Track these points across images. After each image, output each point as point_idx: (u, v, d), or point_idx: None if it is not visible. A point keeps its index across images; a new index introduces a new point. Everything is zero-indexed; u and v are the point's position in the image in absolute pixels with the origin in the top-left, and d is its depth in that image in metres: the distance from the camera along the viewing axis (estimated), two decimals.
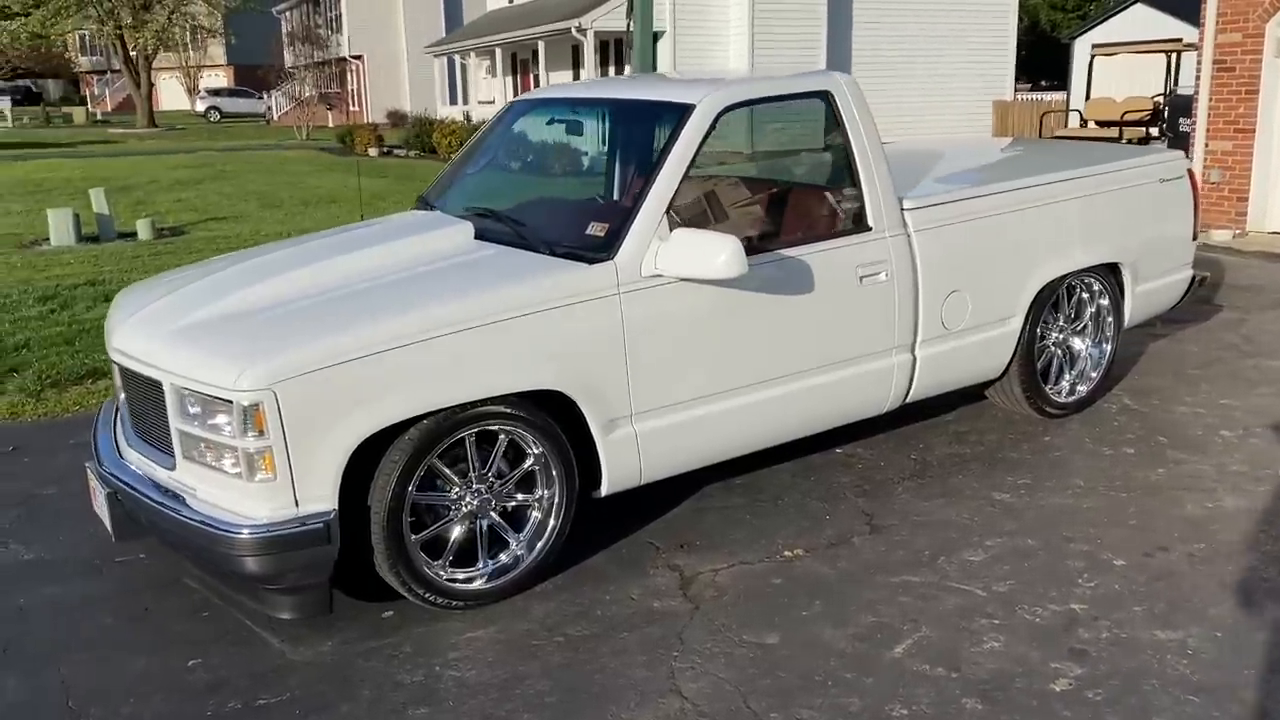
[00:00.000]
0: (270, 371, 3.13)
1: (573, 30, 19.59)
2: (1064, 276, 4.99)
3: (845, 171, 4.31)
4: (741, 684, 3.12)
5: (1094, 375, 5.31)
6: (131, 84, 40.53)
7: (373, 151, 25.57)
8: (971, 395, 5.37)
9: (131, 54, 39.02)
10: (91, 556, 4.03)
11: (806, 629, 3.41)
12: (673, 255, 3.69)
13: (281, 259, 3.99)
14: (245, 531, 3.16)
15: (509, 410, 3.49)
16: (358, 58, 39.98)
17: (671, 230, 3.76)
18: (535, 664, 3.25)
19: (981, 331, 4.72)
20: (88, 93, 62.89)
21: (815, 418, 4.30)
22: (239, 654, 3.35)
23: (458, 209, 4.41)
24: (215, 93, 52.50)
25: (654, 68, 10.61)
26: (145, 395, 3.53)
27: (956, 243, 4.55)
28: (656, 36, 20.11)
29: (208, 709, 3.06)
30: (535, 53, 24.07)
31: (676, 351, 3.80)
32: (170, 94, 61.23)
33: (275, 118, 42.52)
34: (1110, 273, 5.25)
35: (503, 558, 3.66)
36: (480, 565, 3.62)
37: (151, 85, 41.29)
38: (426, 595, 3.47)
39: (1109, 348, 5.34)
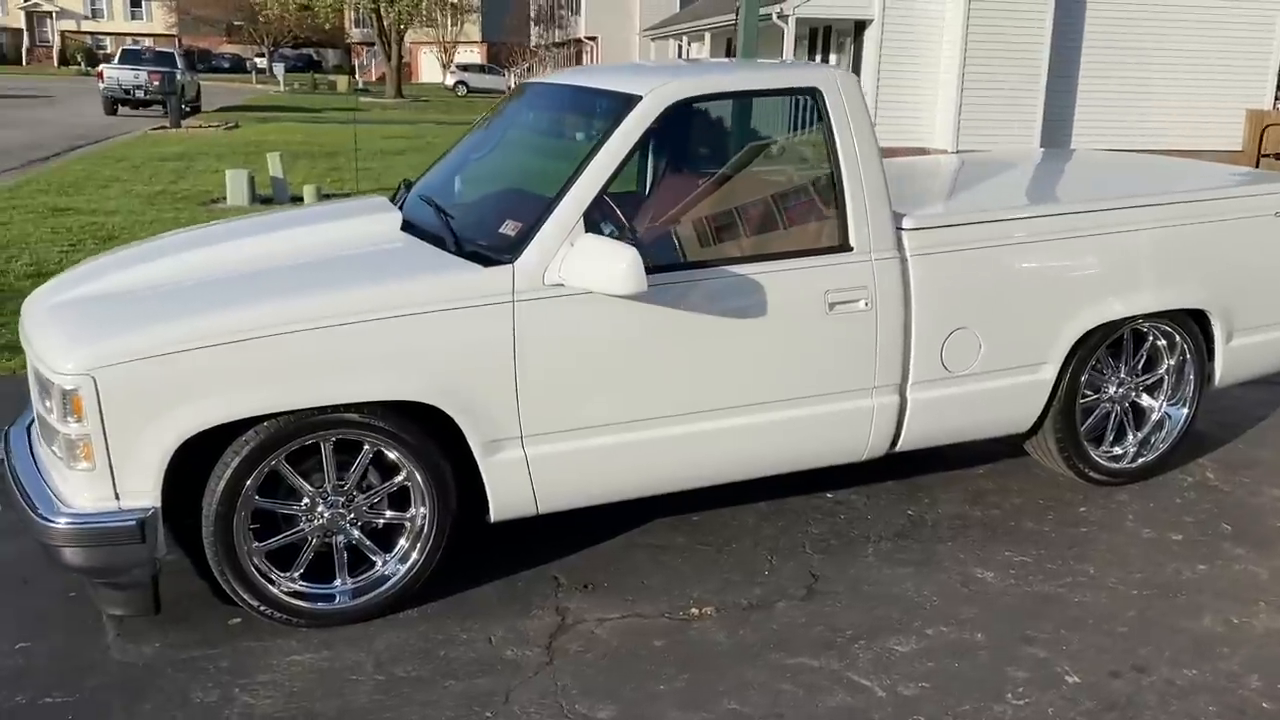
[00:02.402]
0: (91, 357, 2.98)
1: (774, 17, 18.97)
2: (1122, 321, 4.19)
3: (828, 183, 3.75)
4: None
5: (1162, 446, 4.46)
6: (384, 56, 42.90)
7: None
8: (1018, 448, 4.64)
9: (386, 27, 41.24)
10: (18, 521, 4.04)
11: (650, 707, 2.96)
12: (574, 264, 3.30)
13: (197, 237, 3.87)
14: (61, 521, 3.04)
15: (364, 420, 3.21)
16: (592, 39, 40.68)
17: (588, 234, 3.36)
18: (335, 702, 2.96)
19: (1000, 378, 4.03)
20: (356, 63, 67.24)
21: (764, 459, 3.79)
22: (70, 643, 3.24)
23: (419, 195, 4.15)
24: (464, 68, 54.73)
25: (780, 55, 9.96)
26: None
27: (966, 272, 3.89)
28: (861, 26, 19.22)
29: None
30: None
31: (581, 372, 3.40)
32: (429, 67, 64.51)
33: None
34: (1194, 321, 4.38)
35: (361, 579, 3.39)
36: (338, 584, 3.37)
37: (402, 58, 43.56)
38: (260, 608, 3.25)
39: (1186, 411, 4.47)
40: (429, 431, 3.32)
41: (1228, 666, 3.17)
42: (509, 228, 3.48)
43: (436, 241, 3.59)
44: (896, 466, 4.53)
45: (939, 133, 18.89)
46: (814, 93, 3.74)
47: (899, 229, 3.81)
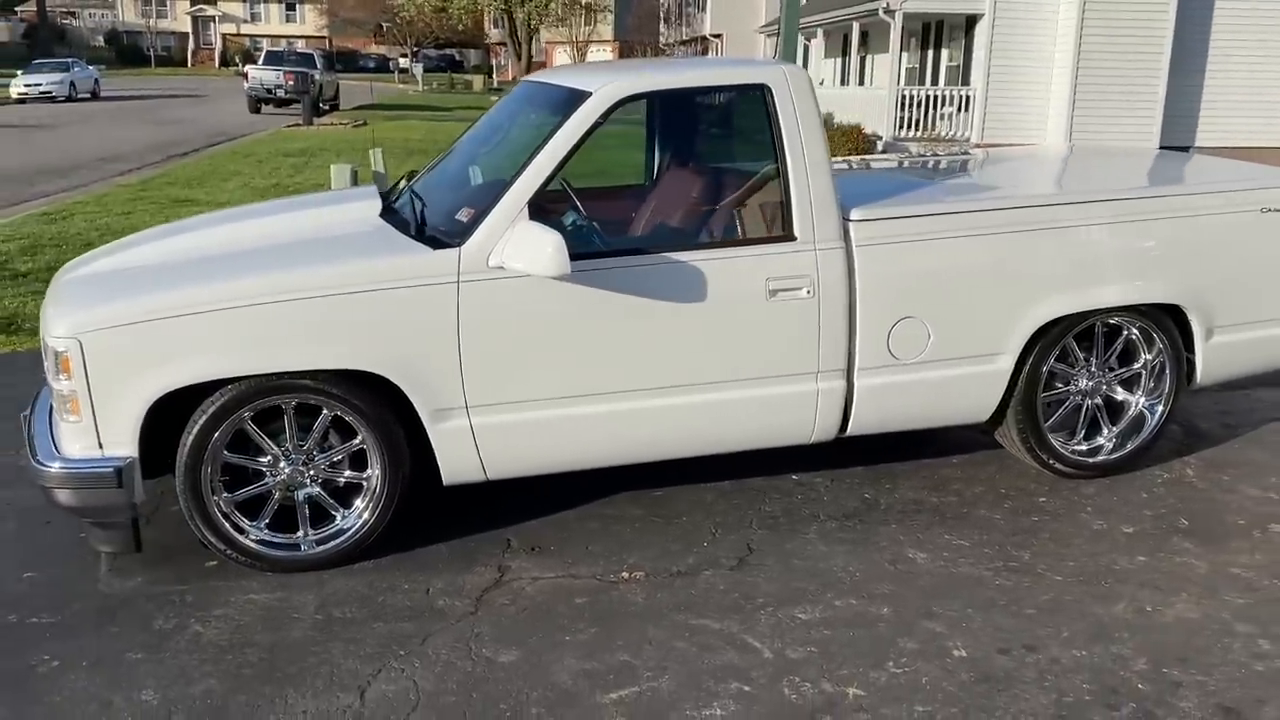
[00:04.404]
0: (79, 322, 3.42)
1: (880, 12, 18.81)
2: (1085, 314, 4.22)
3: (774, 175, 3.92)
4: (428, 695, 3.02)
5: (1129, 445, 4.45)
6: (513, 55, 44.04)
7: None
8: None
9: (516, 27, 42.27)
10: None
11: (551, 654, 3.22)
12: (510, 248, 3.58)
13: (209, 219, 4.31)
14: (54, 466, 3.49)
15: (318, 386, 3.55)
16: (717, 36, 40.83)
17: (528, 220, 3.63)
18: (272, 635, 3.32)
19: (951, 367, 4.12)
20: (494, 63, 69.00)
21: (707, 438, 3.98)
22: (67, 575, 3.70)
23: (413, 185, 4.49)
24: None
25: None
26: None
27: (914, 263, 4.00)
28: (972, 20, 18.89)
29: None
30: (865, 34, 23.40)
31: (522, 348, 3.67)
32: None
33: None
34: (1169, 316, 4.37)
35: (322, 531, 3.74)
36: (301, 534, 3.73)
37: (532, 57, 44.58)
38: (227, 551, 3.64)
39: (1161, 409, 4.45)
40: (383, 399, 3.65)
41: (1120, 650, 3.23)
42: (464, 214, 3.79)
43: (403, 226, 3.92)
44: (869, 452, 4.66)
45: (1051, 129, 18.43)
46: (763, 89, 3.91)
47: (846, 220, 3.95)
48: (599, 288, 3.68)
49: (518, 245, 3.54)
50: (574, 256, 3.57)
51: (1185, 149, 18.51)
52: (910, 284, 4.00)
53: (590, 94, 3.79)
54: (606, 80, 3.84)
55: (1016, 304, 4.11)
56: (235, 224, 4.15)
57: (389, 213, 4.18)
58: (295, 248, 3.82)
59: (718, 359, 3.86)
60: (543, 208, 3.77)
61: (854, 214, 3.96)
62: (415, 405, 3.63)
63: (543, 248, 3.46)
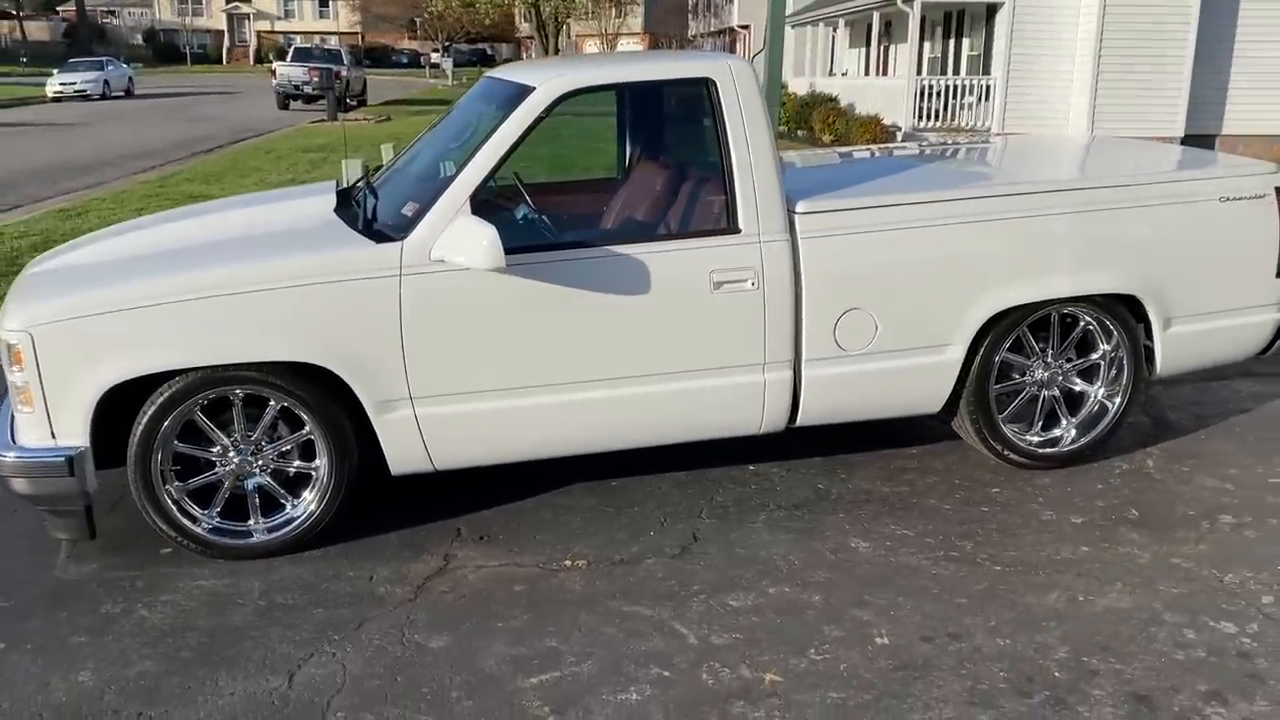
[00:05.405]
0: (30, 316, 3.52)
1: (898, 1, 18.68)
2: (1037, 305, 4.22)
3: (718, 168, 3.95)
4: (354, 679, 3.09)
5: (1083, 439, 4.44)
6: (540, 48, 44.05)
7: None
8: None
9: (544, 20, 42.26)
10: None
11: (481, 640, 3.29)
12: (450, 242, 3.64)
13: (171, 214, 4.41)
14: (10, 455, 3.60)
15: (263, 378, 3.63)
16: (745, 27, 40.66)
17: (468, 215, 3.69)
18: (213, 619, 3.41)
19: (900, 358, 4.13)
20: (525, 56, 69.19)
21: (654, 429, 4.03)
22: (27, 561, 3.82)
23: (372, 181, 4.57)
24: None
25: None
26: None
27: (859, 255, 4.02)
28: (993, 9, 18.70)
29: None
30: (888, 24, 23.26)
31: (464, 340, 3.74)
32: None
33: None
34: (1125, 306, 4.35)
35: (273, 520, 3.83)
36: (253, 522, 3.82)
37: (558, 50, 44.54)
38: (178, 539, 3.74)
39: (1120, 400, 4.44)
40: (329, 391, 3.73)
41: (1044, 639, 3.24)
42: (409, 208, 3.85)
43: (353, 221, 4.00)
44: (828, 442, 4.69)
45: (1072, 119, 18.19)
46: (707, 83, 3.95)
47: (792, 212, 3.98)
48: (542, 280, 3.74)
49: (456, 239, 3.61)
50: (520, 249, 3.65)
51: (1211, 137, 18.24)
52: (856, 276, 4.02)
53: (534, 88, 3.84)
54: (553, 75, 3.89)
55: (965, 295, 4.11)
56: (193, 219, 4.25)
57: (344, 208, 4.26)
58: (244, 243, 3.91)
59: (662, 351, 3.90)
60: (493, 202, 3.83)
61: (799, 206, 3.98)
62: (359, 397, 3.71)
63: (478, 241, 3.52)
